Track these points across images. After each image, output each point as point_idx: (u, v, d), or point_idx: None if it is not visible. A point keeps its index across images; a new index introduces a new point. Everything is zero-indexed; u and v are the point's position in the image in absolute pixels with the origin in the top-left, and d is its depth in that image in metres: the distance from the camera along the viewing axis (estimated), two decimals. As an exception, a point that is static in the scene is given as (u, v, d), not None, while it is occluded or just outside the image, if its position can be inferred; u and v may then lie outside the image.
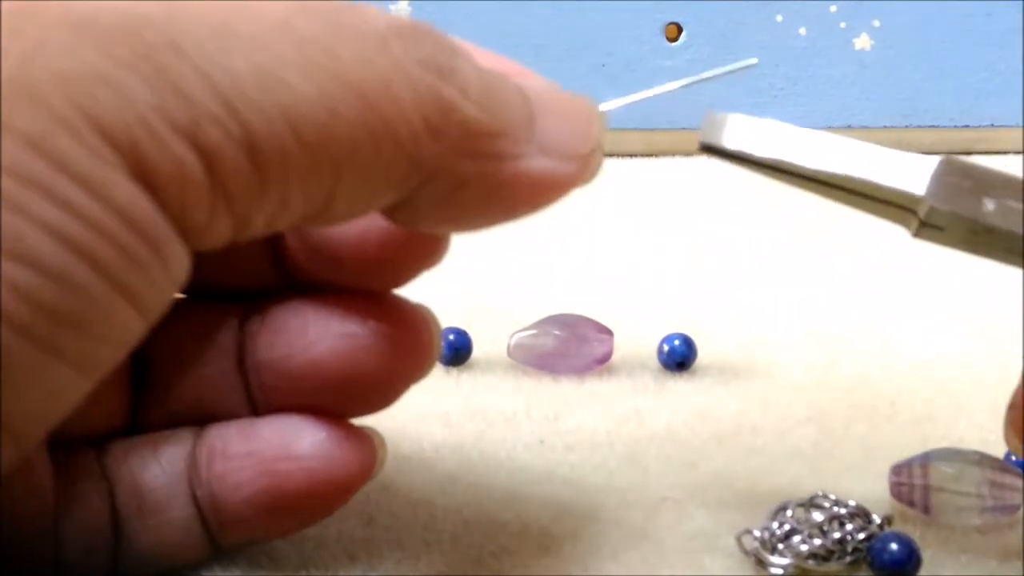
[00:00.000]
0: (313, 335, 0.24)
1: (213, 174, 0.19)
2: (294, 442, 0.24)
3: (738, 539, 0.27)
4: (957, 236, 0.23)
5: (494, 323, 0.37)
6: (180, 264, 0.20)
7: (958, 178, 0.23)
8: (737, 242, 0.44)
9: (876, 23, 0.48)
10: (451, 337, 0.35)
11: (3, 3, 0.18)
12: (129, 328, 0.19)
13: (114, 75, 0.18)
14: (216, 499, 0.24)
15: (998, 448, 0.29)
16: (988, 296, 0.39)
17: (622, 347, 0.35)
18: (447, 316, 0.35)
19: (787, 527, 0.27)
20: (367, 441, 0.25)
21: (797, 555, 0.27)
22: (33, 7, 0.18)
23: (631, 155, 0.49)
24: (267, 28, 0.19)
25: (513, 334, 0.35)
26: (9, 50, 0.17)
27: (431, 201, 0.22)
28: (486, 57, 0.23)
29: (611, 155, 0.49)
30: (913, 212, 0.24)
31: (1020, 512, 0.28)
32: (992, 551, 0.27)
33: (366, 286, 0.25)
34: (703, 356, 0.35)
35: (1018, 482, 0.28)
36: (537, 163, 0.22)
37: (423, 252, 0.25)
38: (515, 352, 0.35)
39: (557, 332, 0.35)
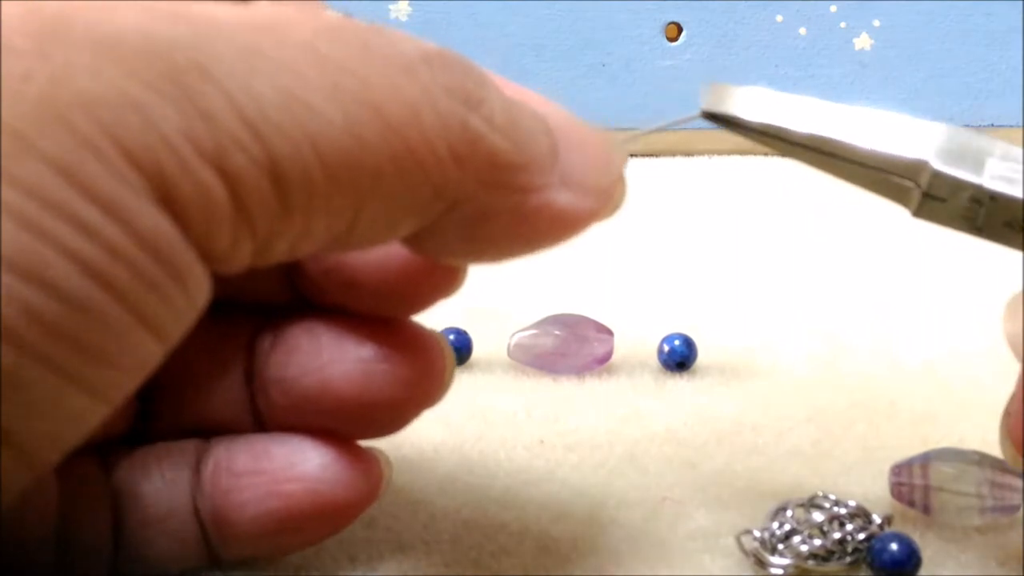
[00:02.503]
0: (327, 357, 0.24)
1: (237, 199, 0.19)
2: (302, 463, 0.24)
3: (738, 539, 0.27)
4: (958, 209, 0.23)
5: (494, 323, 0.37)
6: (200, 289, 0.19)
7: (962, 146, 0.23)
8: (737, 242, 0.44)
9: (876, 23, 0.48)
10: (451, 337, 0.35)
11: (29, 24, 0.18)
12: (147, 354, 0.19)
13: (141, 98, 0.18)
14: (219, 514, 0.24)
15: (998, 448, 0.29)
16: (988, 296, 0.39)
17: (622, 347, 0.35)
18: (447, 316, 0.35)
19: (787, 527, 0.27)
20: (374, 463, 0.25)
21: (797, 555, 0.27)
22: (58, 27, 0.18)
23: (631, 155, 0.49)
24: (293, 51, 0.19)
25: (513, 334, 0.35)
26: (37, 72, 0.17)
27: (452, 231, 0.22)
28: (508, 87, 0.23)
29: (611, 155, 0.49)
30: (914, 182, 0.23)
31: (1020, 512, 0.28)
32: (992, 551, 0.27)
33: (381, 311, 0.25)
34: (703, 356, 0.35)
35: (1018, 482, 0.28)
36: (560, 196, 0.22)
37: (441, 282, 0.25)
38: (515, 352, 0.35)
39: (557, 332, 0.35)
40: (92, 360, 0.18)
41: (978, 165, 0.23)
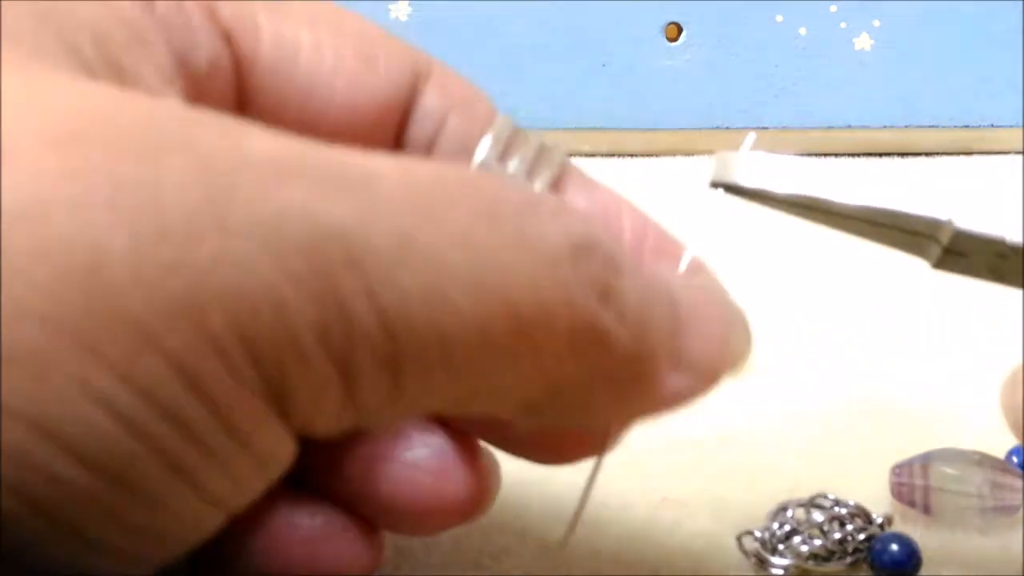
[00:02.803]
0: (377, 451, 0.23)
1: (350, 391, 0.18)
2: (295, 520, 0.23)
3: (738, 539, 0.27)
4: (981, 263, 0.23)
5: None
6: (284, 463, 0.19)
7: (979, 202, 0.22)
8: (738, 241, 0.44)
9: (876, 23, 0.48)
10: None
11: (191, 205, 0.16)
12: (213, 525, 0.18)
13: (284, 293, 0.17)
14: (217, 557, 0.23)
15: (998, 449, 0.29)
16: (990, 295, 0.39)
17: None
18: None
19: (787, 527, 0.27)
20: (378, 539, 0.24)
21: (797, 555, 0.27)
22: (221, 210, 0.16)
23: (631, 155, 0.49)
24: (447, 239, 0.18)
25: (513, 334, 0.35)
26: (184, 264, 0.16)
27: (551, 409, 0.21)
28: (649, 233, 0.22)
29: (611, 155, 0.49)
30: (935, 240, 0.23)
31: (1020, 512, 0.28)
32: (992, 551, 0.27)
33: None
34: (703, 356, 0.35)
35: (1018, 483, 0.28)
36: (671, 382, 0.21)
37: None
38: (515, 352, 0.35)
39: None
40: (156, 546, 0.17)
41: (998, 219, 0.22)
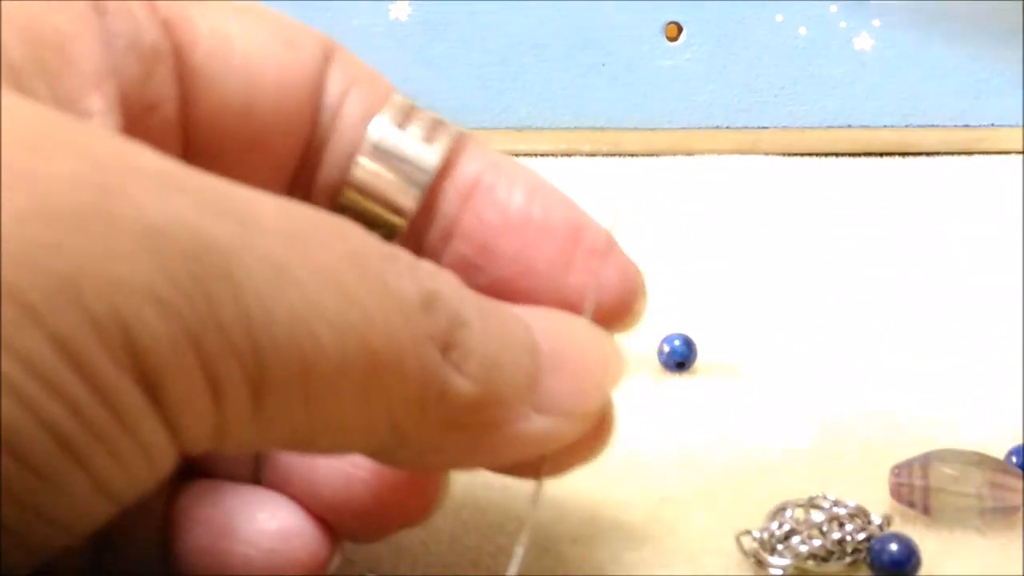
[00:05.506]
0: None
1: (217, 403, 0.19)
2: (246, 522, 0.24)
3: (737, 539, 0.27)
4: None
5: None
6: (167, 462, 0.19)
7: None
8: (737, 241, 0.44)
9: (876, 23, 0.48)
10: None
11: (80, 194, 0.17)
12: (101, 516, 0.19)
13: (163, 294, 0.18)
14: (172, 554, 0.24)
15: (998, 449, 0.29)
16: (990, 295, 0.39)
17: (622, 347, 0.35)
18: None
19: (786, 528, 0.27)
20: (327, 534, 0.24)
21: (796, 556, 0.27)
22: (107, 204, 0.18)
23: (631, 155, 0.49)
24: (317, 275, 0.19)
25: (513, 334, 0.35)
26: (69, 246, 0.17)
27: (410, 455, 0.22)
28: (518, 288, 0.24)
29: (611, 155, 0.49)
30: None
31: (1020, 512, 0.28)
32: (992, 551, 0.27)
33: None
34: (703, 356, 0.35)
35: (1018, 483, 0.28)
36: (530, 425, 0.22)
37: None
38: (515, 352, 0.35)
39: (557, 332, 0.35)
40: (47, 524, 0.18)
41: None
